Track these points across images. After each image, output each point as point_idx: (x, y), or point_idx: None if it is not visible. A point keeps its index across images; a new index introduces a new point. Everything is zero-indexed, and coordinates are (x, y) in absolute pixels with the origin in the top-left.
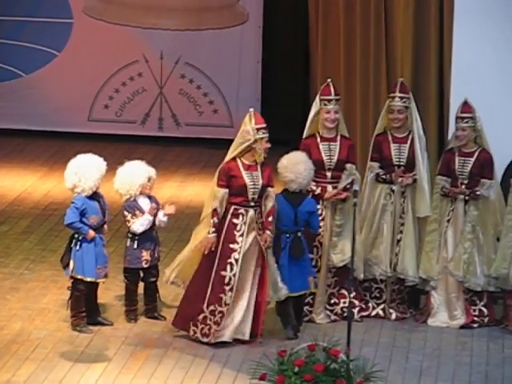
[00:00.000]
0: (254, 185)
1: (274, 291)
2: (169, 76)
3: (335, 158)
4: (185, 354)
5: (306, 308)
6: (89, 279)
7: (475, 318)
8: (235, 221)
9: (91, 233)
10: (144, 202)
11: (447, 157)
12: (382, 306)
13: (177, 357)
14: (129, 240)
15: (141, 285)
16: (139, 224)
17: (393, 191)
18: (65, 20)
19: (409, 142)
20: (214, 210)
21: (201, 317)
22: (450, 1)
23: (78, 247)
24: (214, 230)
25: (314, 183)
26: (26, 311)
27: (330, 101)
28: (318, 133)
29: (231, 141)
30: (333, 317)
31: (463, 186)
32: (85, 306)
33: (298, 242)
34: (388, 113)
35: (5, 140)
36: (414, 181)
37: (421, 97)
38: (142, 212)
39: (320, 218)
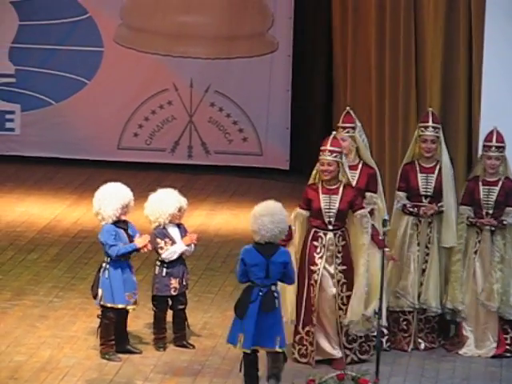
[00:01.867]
0: (329, 208)
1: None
2: (198, 104)
3: (353, 184)
4: (214, 382)
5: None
6: (120, 306)
7: (508, 347)
8: (315, 243)
9: (137, 241)
10: (173, 231)
11: (471, 186)
12: (407, 340)
13: None
14: (157, 267)
15: (169, 313)
16: (173, 251)
17: (420, 221)
18: (95, 48)
19: (436, 171)
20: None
21: (297, 338)
22: (480, 30)
23: (106, 275)
24: None
25: None
26: (55, 339)
27: (344, 128)
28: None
29: (260, 169)
30: (351, 355)
31: (488, 216)
32: (114, 334)
33: (271, 296)
34: (420, 142)
35: (35, 168)
36: (441, 212)
37: (449, 126)
38: (172, 240)
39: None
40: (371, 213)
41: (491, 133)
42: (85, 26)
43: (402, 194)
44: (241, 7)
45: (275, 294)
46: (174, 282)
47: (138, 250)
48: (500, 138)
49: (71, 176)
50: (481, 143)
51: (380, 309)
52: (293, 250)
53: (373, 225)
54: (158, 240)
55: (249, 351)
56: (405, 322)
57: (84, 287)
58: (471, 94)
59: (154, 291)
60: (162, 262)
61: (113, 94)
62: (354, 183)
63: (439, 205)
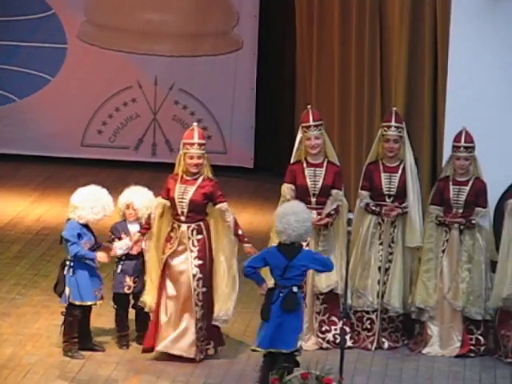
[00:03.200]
0: (182, 199)
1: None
2: (162, 102)
3: (320, 184)
4: (177, 381)
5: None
6: (89, 303)
7: (472, 347)
8: (171, 234)
9: (99, 255)
10: (134, 227)
11: (441, 185)
12: (371, 339)
13: (168, 383)
14: (115, 264)
15: (132, 311)
16: (118, 247)
17: (383, 220)
18: (59, 45)
19: (400, 171)
20: None
21: None
22: (445, 29)
23: (71, 273)
24: None
25: None
26: (17, 336)
27: (309, 127)
28: (305, 159)
29: (225, 167)
30: (325, 344)
31: (458, 215)
32: (77, 332)
33: (291, 297)
34: (383, 142)
35: None
36: (405, 212)
37: (414, 126)
38: (129, 235)
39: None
40: (337, 210)
41: (460, 133)
42: (49, 23)
43: (365, 193)
44: (206, 5)
45: (297, 295)
46: (128, 280)
47: (92, 260)
48: (469, 139)
49: (34, 173)
50: (445, 143)
51: (344, 307)
52: (151, 239)
53: (234, 218)
54: (110, 234)
55: (264, 352)
56: (368, 321)
57: (47, 284)
58: (436, 93)
59: (113, 288)
60: (120, 258)
61: (76, 91)
62: (320, 181)
63: (403, 205)
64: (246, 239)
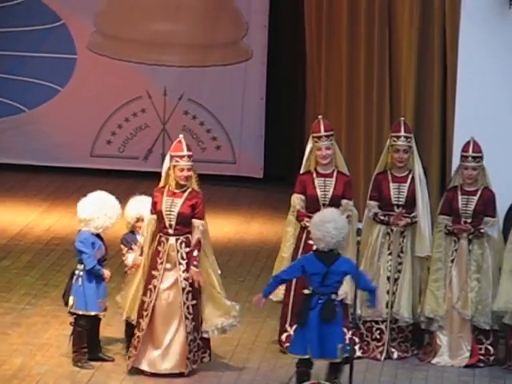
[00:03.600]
0: (169, 211)
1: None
2: (172, 112)
3: (330, 194)
4: None
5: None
6: (92, 313)
7: (481, 357)
8: (159, 248)
9: (106, 273)
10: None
11: (450, 195)
12: (380, 349)
13: None
14: (126, 275)
15: None
16: (132, 258)
17: (392, 230)
18: (69, 56)
19: (408, 181)
20: None
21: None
22: (454, 40)
23: (79, 283)
24: None
25: (307, 219)
26: (27, 346)
27: (320, 137)
28: (315, 169)
29: (234, 177)
30: None
31: (467, 225)
32: (87, 342)
33: (330, 306)
34: (392, 152)
35: (7, 175)
36: (414, 222)
37: (423, 136)
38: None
39: None
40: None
41: (468, 143)
42: (58, 33)
43: (373, 203)
44: (215, 15)
45: (335, 303)
46: None
47: (99, 275)
48: (477, 148)
49: (44, 183)
50: (455, 152)
51: (354, 317)
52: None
53: (199, 239)
54: (122, 246)
55: (299, 365)
56: (378, 331)
57: (56, 294)
58: (445, 102)
59: None
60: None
61: (86, 102)
62: (330, 191)
63: (412, 215)
64: (195, 263)
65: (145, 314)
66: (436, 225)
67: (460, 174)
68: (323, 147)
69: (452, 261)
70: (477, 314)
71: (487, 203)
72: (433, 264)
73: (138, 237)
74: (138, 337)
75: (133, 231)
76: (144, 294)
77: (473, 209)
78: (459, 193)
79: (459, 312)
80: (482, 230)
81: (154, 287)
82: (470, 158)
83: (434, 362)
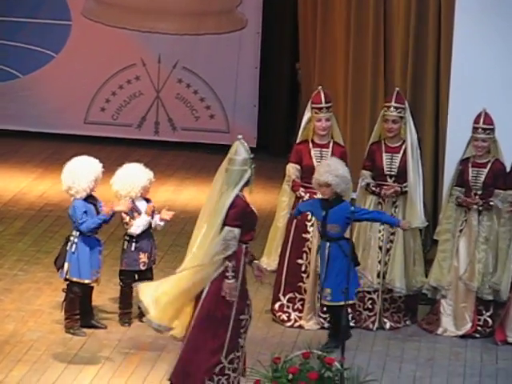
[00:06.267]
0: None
1: None
2: (166, 80)
3: None
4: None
5: (296, 314)
6: (86, 281)
7: (479, 328)
8: None
9: (106, 209)
10: (142, 205)
11: (462, 167)
12: (372, 319)
13: (170, 360)
14: (126, 242)
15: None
16: (137, 225)
17: (383, 200)
18: (63, 22)
19: (401, 151)
20: None
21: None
22: (450, 13)
23: (73, 249)
24: None
25: (303, 189)
26: (19, 312)
27: (320, 109)
28: (312, 139)
29: (227, 146)
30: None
31: (477, 197)
32: (79, 309)
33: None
34: (383, 122)
35: (0, 141)
36: (405, 192)
37: (418, 107)
38: (140, 214)
39: (309, 224)
40: None
41: (479, 115)
42: (53, 0)
43: (366, 173)
44: None
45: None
46: (143, 257)
47: (107, 220)
48: (488, 120)
49: (37, 149)
50: (449, 124)
51: (347, 287)
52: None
53: None
54: (124, 215)
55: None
56: (370, 301)
57: (49, 261)
58: (439, 74)
59: (123, 266)
60: (131, 236)
61: (80, 68)
62: None
63: (403, 185)
64: None
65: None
66: (449, 196)
67: (471, 146)
68: (323, 118)
69: (460, 231)
70: (481, 285)
71: (497, 175)
72: (441, 234)
73: (137, 203)
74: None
75: (133, 200)
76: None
77: (482, 181)
78: (470, 165)
79: (466, 284)
80: (491, 203)
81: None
82: (480, 130)
83: (438, 331)
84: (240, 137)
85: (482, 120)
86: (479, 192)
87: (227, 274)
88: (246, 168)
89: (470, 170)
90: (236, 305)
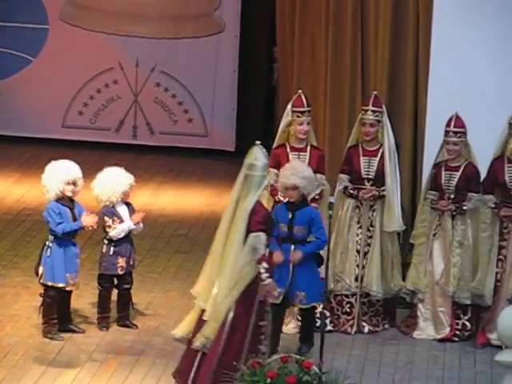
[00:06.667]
0: None
1: None
2: (144, 84)
3: None
4: (156, 363)
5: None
6: (60, 285)
7: (457, 332)
8: None
9: (85, 220)
10: (122, 209)
11: (435, 171)
12: (350, 323)
13: (148, 365)
14: (105, 246)
15: (114, 292)
16: (121, 230)
17: (361, 204)
18: (41, 26)
19: (379, 155)
20: None
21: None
22: (428, 15)
23: (48, 254)
24: None
25: (282, 193)
26: None
27: (303, 112)
28: (288, 142)
29: (205, 150)
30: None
31: (450, 201)
32: (57, 313)
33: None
34: (360, 126)
35: None
36: (382, 196)
37: (396, 110)
38: (120, 218)
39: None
40: (320, 195)
41: (451, 118)
42: (30, 3)
43: (344, 177)
44: None
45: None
46: (121, 261)
47: (83, 228)
48: (459, 123)
49: (15, 154)
50: (427, 127)
51: (325, 290)
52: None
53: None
54: (106, 218)
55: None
56: (348, 305)
57: (27, 265)
58: (418, 78)
59: (101, 270)
60: (110, 240)
61: (58, 72)
62: None
63: (381, 189)
64: None
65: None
66: (423, 200)
67: (444, 150)
68: (305, 122)
69: (434, 235)
70: (458, 289)
71: (470, 178)
72: (416, 238)
73: (119, 207)
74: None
75: (113, 205)
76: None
77: (455, 184)
78: (443, 168)
79: (442, 288)
80: (464, 208)
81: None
82: (451, 133)
83: (414, 334)
84: (258, 142)
85: (453, 123)
86: (452, 196)
87: (262, 277)
88: (265, 174)
89: (443, 173)
90: (255, 311)
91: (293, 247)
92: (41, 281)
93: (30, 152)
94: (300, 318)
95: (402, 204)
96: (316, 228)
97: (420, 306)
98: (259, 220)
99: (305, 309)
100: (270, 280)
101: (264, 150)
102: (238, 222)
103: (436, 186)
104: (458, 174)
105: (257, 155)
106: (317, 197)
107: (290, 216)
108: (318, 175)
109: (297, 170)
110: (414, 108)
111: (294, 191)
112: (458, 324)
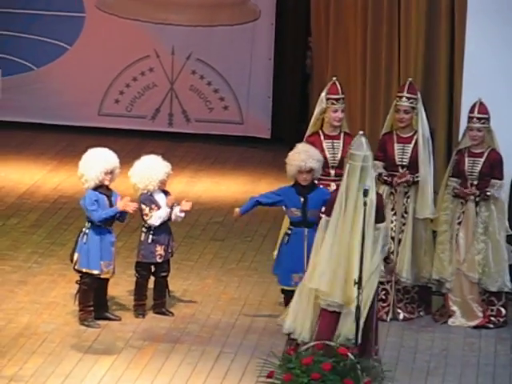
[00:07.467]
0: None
1: None
2: (180, 72)
3: (339, 156)
4: (192, 350)
5: None
6: (95, 272)
7: (492, 319)
8: None
9: (119, 204)
10: (160, 197)
11: (458, 157)
12: (386, 310)
13: (184, 352)
14: (143, 234)
15: (150, 280)
16: (157, 217)
17: (396, 190)
18: (77, 14)
19: (413, 142)
20: None
21: None
22: (463, 2)
23: (84, 240)
24: None
25: (316, 181)
26: (33, 305)
27: (338, 100)
28: (322, 130)
29: (241, 137)
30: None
31: (473, 187)
32: (93, 301)
33: None
34: (394, 112)
35: (15, 133)
36: (416, 182)
37: (431, 98)
38: (158, 206)
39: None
40: None
41: (474, 104)
42: None
43: (378, 164)
44: None
45: None
46: (160, 249)
47: (120, 215)
48: (483, 110)
49: (51, 142)
50: (463, 114)
51: (360, 278)
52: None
53: None
54: (143, 206)
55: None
56: (383, 292)
57: (63, 253)
58: (453, 65)
59: (139, 257)
60: (149, 228)
61: (94, 60)
62: (339, 153)
63: (416, 175)
64: None
65: None
66: (445, 187)
67: (467, 136)
68: (339, 109)
69: (459, 223)
70: (484, 276)
71: (494, 165)
72: (439, 226)
73: (156, 195)
74: None
75: (151, 193)
76: None
77: (479, 171)
78: (466, 155)
79: (465, 275)
80: (488, 193)
81: None
82: (475, 119)
83: (449, 322)
84: (361, 132)
85: (476, 109)
86: (475, 182)
87: (388, 260)
88: (371, 164)
89: (466, 159)
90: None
91: (306, 230)
92: (75, 267)
93: (67, 140)
94: None
95: (435, 191)
96: None
97: (450, 294)
98: (384, 208)
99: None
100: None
101: (367, 140)
102: (368, 217)
103: (458, 173)
104: (482, 160)
105: (366, 146)
106: None
107: (302, 200)
108: None
109: (311, 154)
110: (449, 95)
111: (309, 174)
112: (492, 310)
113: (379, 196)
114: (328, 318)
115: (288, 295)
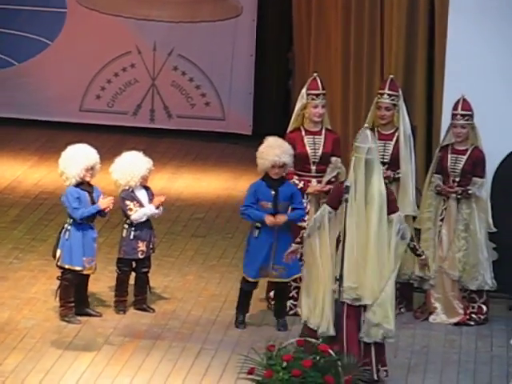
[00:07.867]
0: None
1: None
2: (161, 68)
3: (320, 152)
4: (173, 346)
5: (290, 302)
6: (77, 268)
7: (473, 316)
8: None
9: (101, 203)
10: (141, 194)
11: (441, 154)
12: None
13: (165, 349)
14: (125, 230)
15: (131, 276)
16: (142, 214)
17: None
18: (58, 9)
19: (394, 139)
20: None
21: None
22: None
23: (66, 237)
24: None
25: (297, 177)
26: (14, 300)
27: (318, 95)
28: (303, 126)
29: (223, 134)
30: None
31: (455, 184)
32: (74, 297)
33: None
34: (376, 109)
35: None
36: (397, 178)
37: (411, 94)
38: (139, 203)
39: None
40: (337, 177)
41: (458, 101)
42: None
43: None
44: None
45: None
46: (142, 245)
47: (101, 211)
48: (466, 106)
49: (32, 137)
50: (445, 111)
51: (341, 275)
52: None
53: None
54: (127, 202)
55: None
56: None
57: (44, 249)
58: (433, 62)
59: (121, 254)
60: (130, 224)
61: (75, 56)
62: (320, 148)
63: (396, 171)
64: None
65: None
66: (428, 184)
67: (451, 133)
68: (320, 105)
69: (442, 220)
70: (464, 274)
71: (476, 163)
72: (423, 224)
73: (137, 192)
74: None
75: (132, 189)
76: None
77: (461, 168)
78: (449, 151)
79: (446, 272)
80: (469, 192)
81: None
82: (458, 116)
83: (430, 319)
84: (366, 125)
85: (460, 106)
86: (457, 179)
87: (418, 252)
88: (376, 156)
89: (449, 156)
90: None
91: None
92: (58, 263)
93: (47, 136)
94: (277, 293)
95: (417, 188)
96: (298, 201)
97: (432, 291)
98: (395, 199)
99: (282, 283)
100: (424, 255)
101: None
102: (380, 212)
103: (441, 169)
104: (465, 157)
105: (371, 138)
106: (333, 179)
107: (274, 193)
108: (334, 158)
109: (284, 149)
110: (430, 92)
111: (281, 169)
112: (473, 307)
113: (388, 188)
114: (354, 312)
115: (249, 288)
